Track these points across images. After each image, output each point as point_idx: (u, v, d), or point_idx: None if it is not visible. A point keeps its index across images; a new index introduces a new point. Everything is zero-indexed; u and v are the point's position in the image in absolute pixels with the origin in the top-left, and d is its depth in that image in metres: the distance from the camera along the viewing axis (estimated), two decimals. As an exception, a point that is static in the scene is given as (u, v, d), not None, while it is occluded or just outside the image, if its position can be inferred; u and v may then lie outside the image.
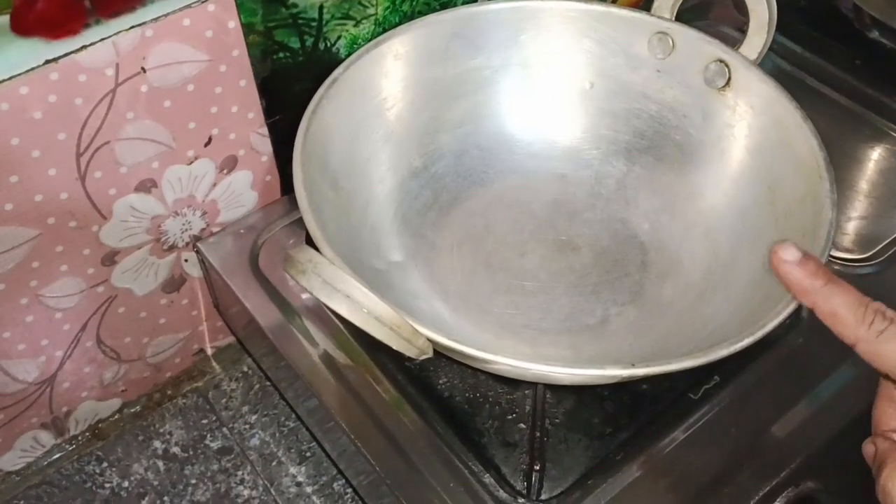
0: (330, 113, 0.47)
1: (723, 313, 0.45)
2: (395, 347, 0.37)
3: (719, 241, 0.50)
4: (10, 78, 0.40)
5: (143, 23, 0.43)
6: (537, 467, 0.44)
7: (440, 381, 0.48)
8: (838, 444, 0.46)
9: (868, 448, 0.36)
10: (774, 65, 0.67)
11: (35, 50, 0.40)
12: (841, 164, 0.59)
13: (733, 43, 0.53)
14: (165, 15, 0.43)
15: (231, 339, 0.61)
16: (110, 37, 0.42)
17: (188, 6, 0.44)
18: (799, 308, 0.49)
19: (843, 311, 0.34)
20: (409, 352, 0.37)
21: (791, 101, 0.47)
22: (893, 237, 0.55)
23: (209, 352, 0.61)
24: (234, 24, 0.46)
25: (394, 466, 0.44)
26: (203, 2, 0.44)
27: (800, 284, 0.35)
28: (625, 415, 0.46)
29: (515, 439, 0.45)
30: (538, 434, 0.45)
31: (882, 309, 0.33)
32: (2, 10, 0.38)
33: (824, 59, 0.67)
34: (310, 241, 0.42)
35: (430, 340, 0.38)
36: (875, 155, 0.61)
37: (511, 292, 0.50)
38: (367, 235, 0.49)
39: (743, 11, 0.52)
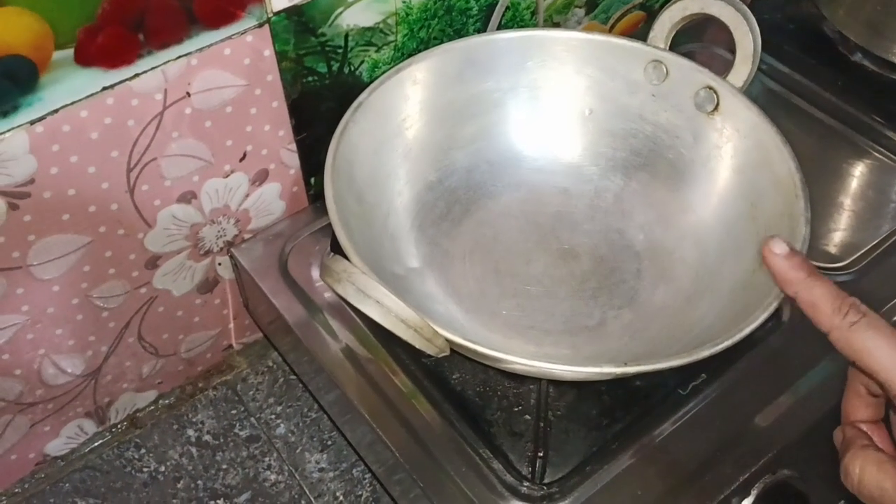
0: (356, 134, 0.50)
1: (709, 316, 0.48)
2: (417, 346, 0.40)
3: (707, 251, 0.52)
4: (72, 103, 0.43)
5: (190, 53, 0.46)
6: (541, 454, 0.47)
7: (454, 377, 0.50)
8: (812, 436, 0.48)
9: (837, 435, 0.39)
10: (763, 84, 0.68)
11: (94, 78, 0.43)
12: (823, 179, 0.62)
13: (726, 64, 0.55)
14: (209, 46, 0.46)
15: (257, 335, 0.64)
16: (160, 66, 0.45)
17: (229, 37, 0.47)
18: (780, 312, 0.53)
19: (821, 302, 0.36)
20: (429, 350, 0.41)
21: (772, 126, 0.50)
22: (869, 247, 0.58)
23: (236, 347, 0.64)
24: (269, 52, 0.49)
25: (411, 452, 0.47)
26: (242, 33, 0.47)
27: (785, 275, 0.37)
28: (620, 408, 0.49)
29: (521, 429, 0.48)
30: (542, 425, 0.48)
31: (857, 303, 0.36)
32: (67, 44, 0.41)
33: (810, 79, 0.68)
34: (335, 248, 0.44)
35: (448, 340, 0.41)
36: (855, 170, 0.63)
37: (518, 296, 0.53)
38: (388, 243, 0.52)
39: (732, 42, 0.55)
